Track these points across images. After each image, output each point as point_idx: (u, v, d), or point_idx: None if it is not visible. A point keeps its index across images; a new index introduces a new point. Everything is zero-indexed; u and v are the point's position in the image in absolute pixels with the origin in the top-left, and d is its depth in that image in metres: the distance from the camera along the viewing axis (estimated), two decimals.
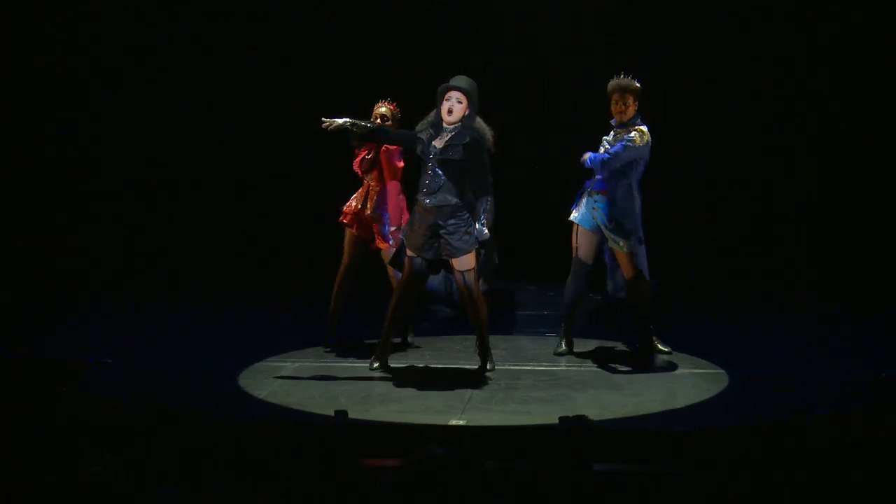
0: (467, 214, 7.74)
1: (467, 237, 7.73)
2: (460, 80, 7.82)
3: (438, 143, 7.77)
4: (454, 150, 7.72)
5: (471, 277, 7.77)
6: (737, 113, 11.32)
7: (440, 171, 7.72)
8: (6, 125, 11.58)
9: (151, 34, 11.53)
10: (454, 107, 7.74)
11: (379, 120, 8.43)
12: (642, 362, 8.19)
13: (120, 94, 11.58)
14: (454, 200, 7.72)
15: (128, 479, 5.24)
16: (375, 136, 7.98)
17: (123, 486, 5.20)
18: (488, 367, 7.97)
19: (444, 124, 7.78)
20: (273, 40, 11.48)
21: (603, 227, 8.18)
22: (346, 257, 8.60)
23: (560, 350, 8.45)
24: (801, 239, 11.19)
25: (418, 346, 8.68)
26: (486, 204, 7.75)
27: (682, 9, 11.23)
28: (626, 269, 8.20)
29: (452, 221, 7.72)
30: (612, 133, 8.23)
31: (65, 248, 11.43)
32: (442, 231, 7.74)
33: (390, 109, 8.51)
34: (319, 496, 5.18)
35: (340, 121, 7.80)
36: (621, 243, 8.14)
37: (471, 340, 8.20)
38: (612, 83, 8.22)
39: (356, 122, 7.84)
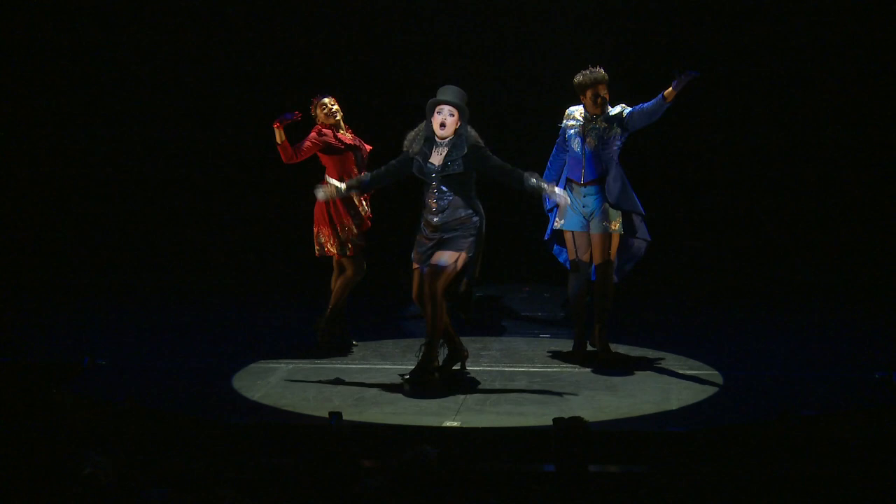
0: (476, 221, 7.61)
1: (462, 241, 7.61)
2: (450, 92, 7.69)
3: (437, 160, 7.64)
4: (455, 163, 7.60)
5: (438, 274, 7.55)
6: (736, 112, 11.30)
7: (444, 188, 7.61)
8: (6, 125, 11.55)
9: (150, 34, 11.52)
10: (447, 120, 7.62)
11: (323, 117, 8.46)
12: (607, 360, 8.16)
13: (120, 94, 11.55)
14: (462, 213, 7.61)
15: (119, 480, 5.23)
16: (370, 186, 7.97)
17: (116, 487, 5.19)
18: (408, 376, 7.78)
19: (437, 138, 7.66)
20: (270, 40, 11.46)
21: (593, 216, 8.15)
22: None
23: (577, 351, 8.35)
24: (801, 239, 11.17)
25: (356, 344, 8.66)
26: (533, 178, 7.59)
27: (683, 8, 11.22)
28: (601, 254, 8.14)
29: (453, 233, 7.58)
30: (588, 125, 8.12)
31: (59, 248, 11.41)
32: (444, 241, 7.62)
33: (327, 104, 8.47)
34: (314, 497, 5.17)
35: (328, 192, 7.95)
36: (615, 225, 8.13)
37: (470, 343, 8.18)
38: (601, 74, 8.09)
39: (339, 187, 7.96)
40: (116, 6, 11.48)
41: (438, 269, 7.58)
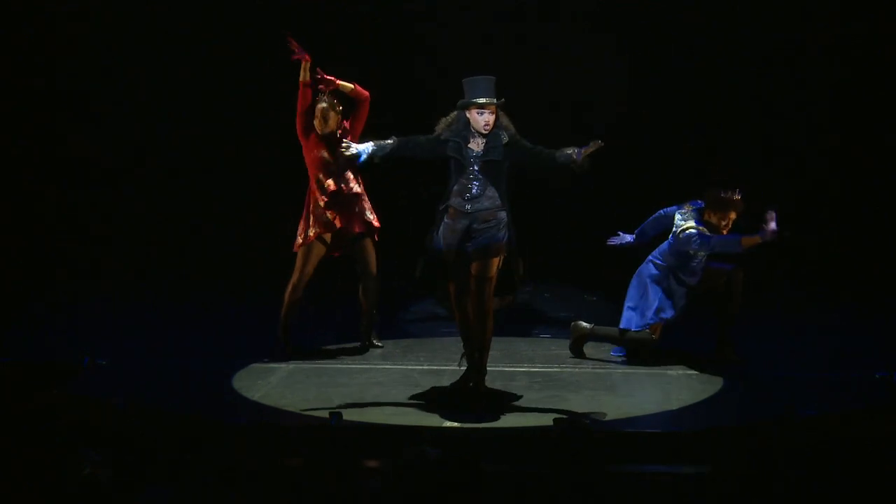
0: (504, 216, 7.39)
1: (497, 239, 7.35)
2: (484, 89, 7.41)
3: (476, 147, 7.42)
4: (495, 150, 7.39)
5: (487, 288, 7.36)
6: (738, 111, 11.32)
7: (481, 175, 7.39)
8: (4, 125, 11.56)
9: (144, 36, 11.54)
10: (489, 120, 7.39)
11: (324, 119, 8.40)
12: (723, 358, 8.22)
13: (119, 94, 11.57)
14: (491, 204, 7.39)
15: (119, 480, 5.24)
16: (401, 152, 7.57)
17: (114, 487, 5.19)
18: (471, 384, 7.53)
19: (480, 133, 7.42)
20: (263, 43, 11.48)
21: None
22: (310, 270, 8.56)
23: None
24: (801, 238, 11.17)
25: (381, 346, 8.67)
26: (565, 151, 7.38)
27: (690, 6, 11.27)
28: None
29: (485, 225, 7.37)
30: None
31: (59, 248, 11.42)
32: (474, 234, 7.38)
33: (332, 103, 8.44)
34: (314, 497, 5.17)
35: (362, 147, 7.54)
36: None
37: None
38: (741, 203, 8.17)
39: (378, 143, 7.55)
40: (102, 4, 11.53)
41: (485, 281, 7.35)
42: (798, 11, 11.16)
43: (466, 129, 7.46)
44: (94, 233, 11.57)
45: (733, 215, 8.18)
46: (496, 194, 7.41)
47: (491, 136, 7.43)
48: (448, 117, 7.55)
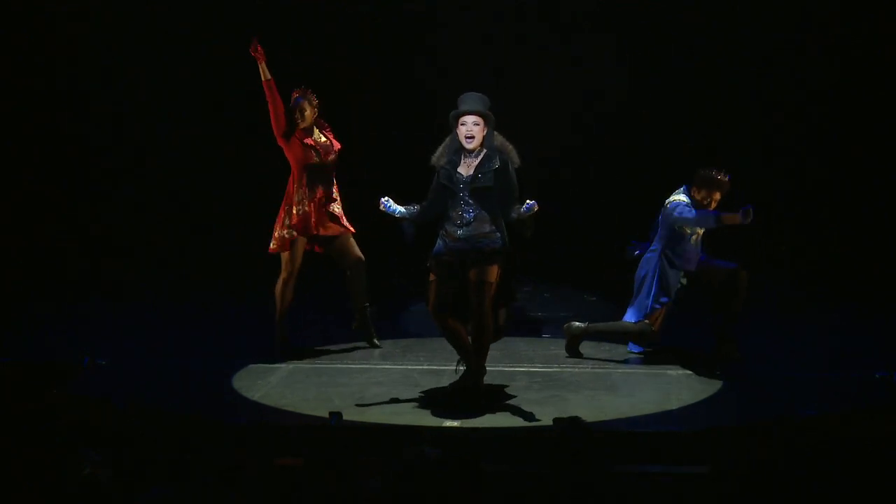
0: (498, 237, 7.31)
1: (494, 243, 7.30)
2: (471, 101, 7.35)
3: (465, 170, 7.35)
4: (485, 177, 7.31)
5: (486, 291, 7.30)
6: (738, 111, 11.31)
7: (472, 201, 7.32)
8: (4, 125, 11.56)
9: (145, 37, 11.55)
10: (472, 131, 7.29)
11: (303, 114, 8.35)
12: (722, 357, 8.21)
13: (119, 94, 11.57)
14: (487, 228, 7.32)
15: (119, 480, 5.24)
16: (425, 215, 7.49)
17: (114, 486, 5.20)
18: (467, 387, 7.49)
19: (466, 150, 7.36)
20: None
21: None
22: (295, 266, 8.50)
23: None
24: (800, 238, 11.18)
25: (380, 346, 8.68)
26: (519, 209, 7.29)
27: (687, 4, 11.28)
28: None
29: (481, 243, 7.30)
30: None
31: (60, 248, 11.42)
32: (470, 254, 7.31)
33: (310, 102, 8.40)
34: (314, 497, 5.18)
35: (395, 207, 7.47)
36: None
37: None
38: (728, 184, 8.23)
39: (406, 212, 7.48)
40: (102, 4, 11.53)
41: (485, 285, 7.28)
42: (798, 11, 11.16)
43: (458, 151, 7.40)
44: (94, 233, 11.58)
45: (718, 196, 8.24)
46: (490, 219, 7.33)
47: (483, 160, 7.35)
48: (442, 144, 7.47)
